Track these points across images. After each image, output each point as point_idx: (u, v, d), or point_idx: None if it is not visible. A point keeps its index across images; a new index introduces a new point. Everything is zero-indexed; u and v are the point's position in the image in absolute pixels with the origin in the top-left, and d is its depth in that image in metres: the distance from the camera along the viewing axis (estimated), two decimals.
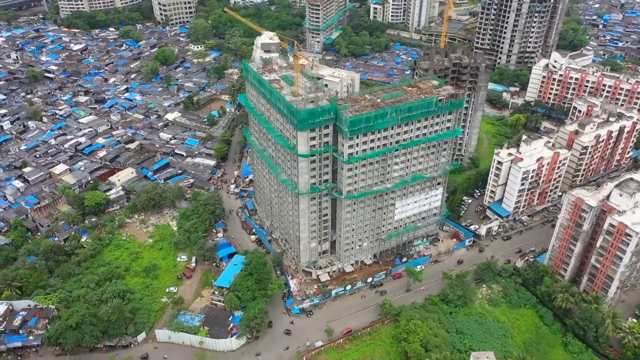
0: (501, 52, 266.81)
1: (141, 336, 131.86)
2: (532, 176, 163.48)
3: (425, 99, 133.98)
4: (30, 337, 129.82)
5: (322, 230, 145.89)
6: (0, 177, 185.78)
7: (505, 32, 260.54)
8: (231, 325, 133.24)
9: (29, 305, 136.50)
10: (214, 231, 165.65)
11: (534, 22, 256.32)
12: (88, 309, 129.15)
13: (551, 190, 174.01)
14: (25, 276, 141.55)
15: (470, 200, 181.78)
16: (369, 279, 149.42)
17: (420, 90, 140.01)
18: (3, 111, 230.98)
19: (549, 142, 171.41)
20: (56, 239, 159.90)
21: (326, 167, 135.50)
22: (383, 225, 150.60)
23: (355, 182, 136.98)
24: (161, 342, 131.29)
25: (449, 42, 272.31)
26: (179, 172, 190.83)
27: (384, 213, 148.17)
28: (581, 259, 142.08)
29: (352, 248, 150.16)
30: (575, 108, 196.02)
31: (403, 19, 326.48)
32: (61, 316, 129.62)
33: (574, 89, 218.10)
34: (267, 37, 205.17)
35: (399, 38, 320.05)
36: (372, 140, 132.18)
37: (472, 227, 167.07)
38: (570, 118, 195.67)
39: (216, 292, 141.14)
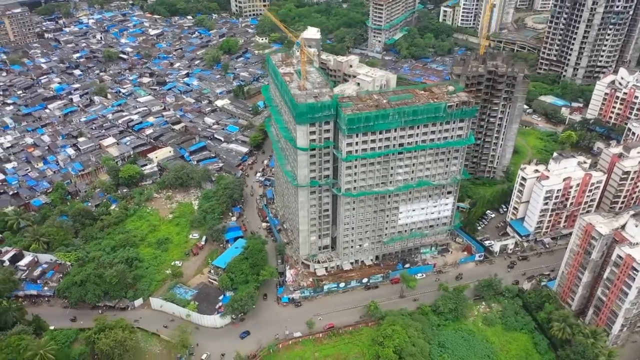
0: (568, 65, 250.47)
1: (138, 301, 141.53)
2: (557, 196, 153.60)
3: (433, 103, 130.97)
4: (45, 288, 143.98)
5: (322, 225, 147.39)
6: (58, 144, 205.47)
7: (573, 44, 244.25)
8: (220, 304, 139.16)
9: (51, 260, 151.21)
10: (230, 214, 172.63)
11: (608, 35, 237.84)
12: (95, 270, 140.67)
13: (581, 214, 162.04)
14: (53, 233, 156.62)
15: (493, 215, 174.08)
16: (365, 280, 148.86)
17: (432, 94, 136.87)
18: (76, 85, 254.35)
19: (584, 162, 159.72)
20: (89, 204, 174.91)
21: (327, 163, 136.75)
22: (386, 228, 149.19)
23: (355, 181, 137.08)
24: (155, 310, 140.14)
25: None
26: (212, 155, 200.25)
27: (387, 216, 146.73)
28: (590, 289, 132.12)
29: (352, 247, 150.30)
30: (629, 130, 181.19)
31: (473, 24, 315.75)
32: (71, 272, 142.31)
33: (638, 109, 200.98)
34: (311, 32, 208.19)
35: (466, 43, 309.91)
36: (372, 141, 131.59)
37: (486, 242, 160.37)
38: (623, 140, 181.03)
39: (212, 271, 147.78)
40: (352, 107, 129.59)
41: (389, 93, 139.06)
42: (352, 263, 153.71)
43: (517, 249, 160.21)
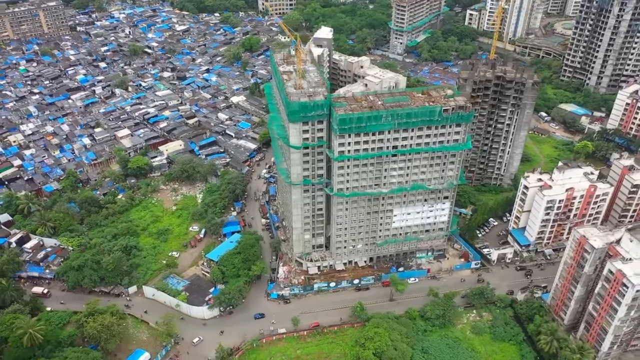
0: (592, 73, 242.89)
1: (132, 289, 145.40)
2: (559, 207, 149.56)
3: (427, 107, 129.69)
4: (47, 271, 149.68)
5: (316, 224, 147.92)
6: (76, 133, 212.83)
7: (598, 51, 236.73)
8: (209, 296, 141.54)
9: (55, 244, 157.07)
10: (232, 209, 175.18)
11: (635, 43, 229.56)
12: (93, 256, 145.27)
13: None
14: (59, 219, 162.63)
15: (496, 223, 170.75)
16: (356, 281, 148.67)
17: (429, 97, 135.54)
18: (100, 77, 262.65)
19: (591, 173, 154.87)
20: (98, 192, 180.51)
21: (320, 162, 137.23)
22: (380, 230, 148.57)
23: (348, 181, 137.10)
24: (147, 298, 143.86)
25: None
26: (220, 150, 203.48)
27: (381, 218, 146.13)
28: (582, 304, 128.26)
29: (345, 247, 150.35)
30: None
31: (500, 28, 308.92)
32: (70, 257, 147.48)
33: None
34: (324, 32, 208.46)
35: (490, 47, 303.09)
36: (365, 141, 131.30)
37: (484, 250, 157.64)
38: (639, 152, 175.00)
39: (205, 264, 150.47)
40: (346, 108, 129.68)
41: (386, 95, 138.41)
42: (345, 263, 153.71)
43: (516, 258, 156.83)
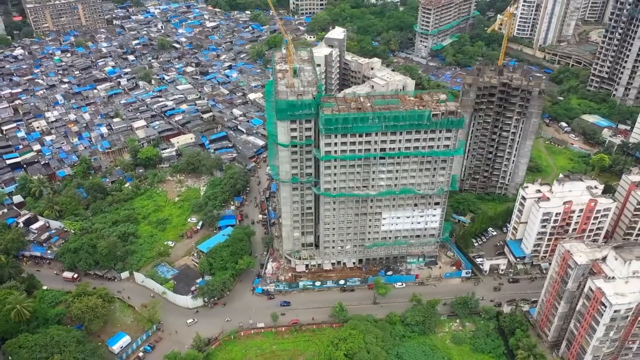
0: (619, 84, 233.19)
1: (124, 274, 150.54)
2: (556, 220, 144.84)
3: (416, 110, 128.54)
4: (48, 251, 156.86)
5: (305, 222, 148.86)
6: (95, 122, 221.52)
7: (626, 61, 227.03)
8: (196, 286, 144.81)
9: (60, 227, 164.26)
10: (232, 203, 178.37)
11: None
12: (90, 240, 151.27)
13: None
14: (66, 203, 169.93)
15: (495, 233, 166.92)
16: (342, 282, 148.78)
17: (421, 101, 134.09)
18: (127, 70, 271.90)
19: (595, 187, 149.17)
20: (107, 180, 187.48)
21: (309, 161, 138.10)
22: (369, 233, 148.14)
23: (335, 182, 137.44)
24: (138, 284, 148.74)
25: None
26: (229, 145, 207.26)
27: (369, 220, 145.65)
28: (566, 320, 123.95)
29: (333, 247, 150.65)
30: None
31: (530, 34, 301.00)
32: (69, 240, 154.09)
33: None
34: (336, 33, 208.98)
35: (519, 54, 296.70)
36: (352, 143, 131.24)
37: (477, 260, 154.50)
38: None
39: (195, 254, 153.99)
40: (333, 108, 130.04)
41: (377, 97, 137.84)
42: (333, 264, 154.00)
43: (509, 270, 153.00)
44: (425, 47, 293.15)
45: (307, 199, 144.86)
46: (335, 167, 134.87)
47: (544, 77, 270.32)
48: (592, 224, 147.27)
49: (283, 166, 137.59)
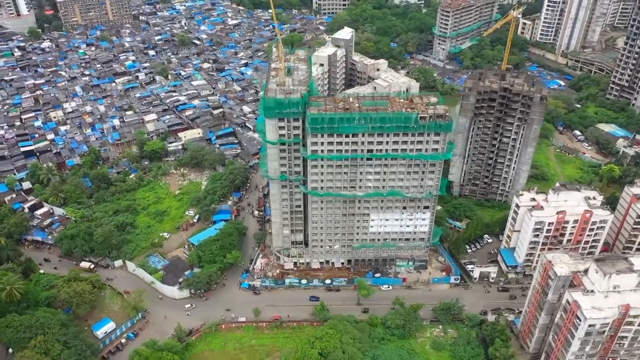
0: (639, 92, 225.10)
1: (118, 262, 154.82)
2: (549, 230, 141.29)
3: (403, 112, 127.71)
4: (49, 237, 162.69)
5: (294, 220, 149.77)
6: (109, 114, 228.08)
7: None
8: (184, 277, 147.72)
9: (62, 214, 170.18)
10: (231, 198, 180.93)
11: None
12: (88, 227, 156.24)
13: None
14: (71, 191, 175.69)
15: (490, 240, 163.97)
16: (328, 281, 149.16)
17: (410, 104, 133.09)
18: (147, 64, 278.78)
19: (593, 198, 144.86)
20: (113, 170, 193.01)
21: (297, 159, 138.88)
22: (357, 233, 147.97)
23: (322, 181, 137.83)
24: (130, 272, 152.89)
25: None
26: (235, 141, 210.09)
27: (357, 221, 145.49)
28: (547, 332, 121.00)
29: (322, 247, 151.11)
30: None
31: (553, 39, 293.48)
32: (68, 226, 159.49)
33: None
34: (344, 33, 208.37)
35: (540, 59, 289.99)
36: (339, 143, 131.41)
37: (468, 267, 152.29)
38: None
39: (186, 247, 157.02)
40: (320, 107, 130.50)
41: (367, 98, 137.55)
42: (321, 263, 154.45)
43: (500, 278, 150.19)
44: (443, 49, 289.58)
45: (296, 197, 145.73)
46: (322, 166, 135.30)
47: (562, 84, 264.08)
48: (588, 235, 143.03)
49: (272, 163, 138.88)
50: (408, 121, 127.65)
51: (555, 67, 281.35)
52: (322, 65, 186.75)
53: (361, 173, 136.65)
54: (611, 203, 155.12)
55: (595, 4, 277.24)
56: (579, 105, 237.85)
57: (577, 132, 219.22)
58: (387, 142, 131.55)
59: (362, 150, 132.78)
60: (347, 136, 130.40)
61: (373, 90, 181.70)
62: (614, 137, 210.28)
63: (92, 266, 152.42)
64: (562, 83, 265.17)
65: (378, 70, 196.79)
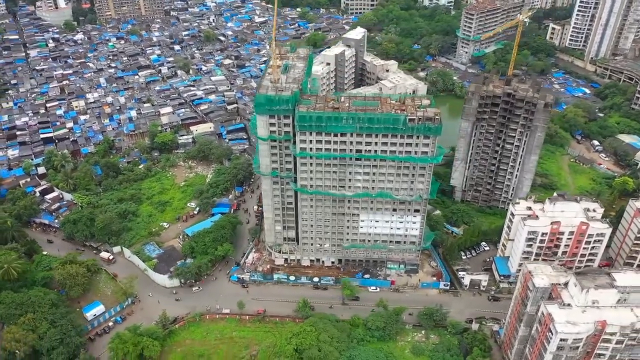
0: None
1: (116, 249, 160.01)
2: (543, 240, 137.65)
3: (391, 114, 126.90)
4: (56, 221, 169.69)
5: (286, 216, 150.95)
6: (128, 106, 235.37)
7: None
8: (175, 267, 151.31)
9: (71, 199, 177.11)
10: (232, 192, 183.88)
11: None
12: (90, 213, 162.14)
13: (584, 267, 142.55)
14: (80, 178, 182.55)
15: (488, 248, 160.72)
16: (316, 279, 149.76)
17: (401, 105, 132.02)
18: (170, 58, 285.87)
19: (593, 210, 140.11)
20: (124, 160, 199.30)
21: (288, 157, 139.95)
22: (347, 233, 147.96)
23: (311, 179, 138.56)
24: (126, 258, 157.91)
25: (596, 76, 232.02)
26: (244, 136, 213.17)
27: (347, 220, 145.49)
28: (526, 344, 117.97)
29: (312, 244, 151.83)
30: None
31: (583, 45, 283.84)
32: (72, 211, 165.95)
33: None
34: (354, 33, 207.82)
35: (568, 65, 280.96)
36: (327, 141, 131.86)
37: (460, 273, 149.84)
38: None
39: (181, 237, 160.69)
40: (310, 106, 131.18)
41: (358, 98, 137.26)
42: (312, 260, 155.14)
43: (491, 287, 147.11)
44: (466, 52, 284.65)
45: (287, 194, 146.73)
46: (311, 164, 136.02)
47: (588, 92, 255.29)
48: (584, 249, 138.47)
49: (263, 159, 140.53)
50: (396, 123, 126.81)
51: (582, 74, 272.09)
52: (328, 64, 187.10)
53: (350, 173, 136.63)
54: (620, 217, 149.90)
55: (629, 10, 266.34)
56: (601, 115, 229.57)
57: (595, 142, 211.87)
58: (376, 143, 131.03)
59: (351, 150, 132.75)
60: (335, 135, 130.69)
61: (378, 91, 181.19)
62: (633, 148, 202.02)
63: (111, 257, 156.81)
64: (588, 91, 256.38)
65: (387, 71, 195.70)
